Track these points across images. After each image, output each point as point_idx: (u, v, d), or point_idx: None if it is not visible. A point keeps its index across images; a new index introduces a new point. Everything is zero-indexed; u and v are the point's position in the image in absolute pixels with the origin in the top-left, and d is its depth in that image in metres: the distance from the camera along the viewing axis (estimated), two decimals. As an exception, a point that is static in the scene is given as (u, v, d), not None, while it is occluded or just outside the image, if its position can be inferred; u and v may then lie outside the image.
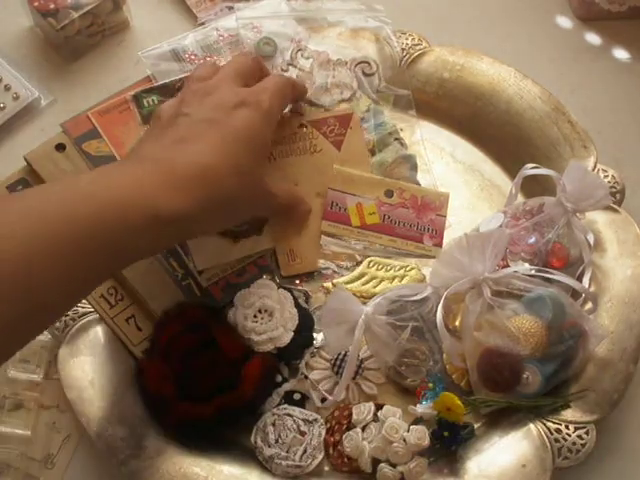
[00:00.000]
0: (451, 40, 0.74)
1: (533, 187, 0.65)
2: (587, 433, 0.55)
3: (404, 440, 0.53)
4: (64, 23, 0.70)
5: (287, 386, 0.58)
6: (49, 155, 0.62)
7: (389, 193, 0.66)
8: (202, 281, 0.61)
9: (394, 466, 0.53)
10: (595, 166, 0.66)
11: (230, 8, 0.75)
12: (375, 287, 0.63)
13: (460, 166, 0.70)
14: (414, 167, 0.68)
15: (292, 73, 0.69)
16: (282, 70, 0.69)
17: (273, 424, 0.56)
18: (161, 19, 0.77)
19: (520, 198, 0.65)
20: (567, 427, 0.56)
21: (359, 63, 0.70)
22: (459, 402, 0.54)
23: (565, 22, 0.80)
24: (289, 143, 0.66)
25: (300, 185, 0.65)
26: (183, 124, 0.51)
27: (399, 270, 0.64)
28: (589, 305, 0.60)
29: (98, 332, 0.59)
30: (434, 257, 0.64)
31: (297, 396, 0.58)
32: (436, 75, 0.71)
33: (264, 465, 0.55)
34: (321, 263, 0.64)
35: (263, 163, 0.57)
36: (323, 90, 0.69)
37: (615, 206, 0.65)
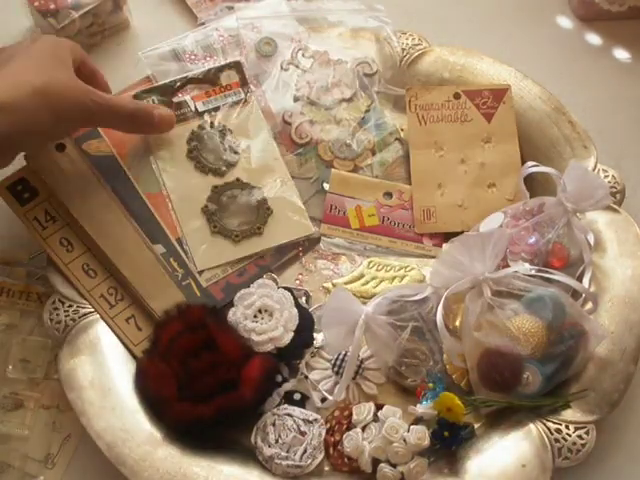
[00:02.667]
0: (451, 40, 0.74)
1: (533, 187, 0.65)
2: (587, 433, 0.55)
3: (404, 440, 0.53)
4: (64, 23, 0.70)
5: (287, 386, 0.58)
6: (49, 155, 0.62)
7: (388, 195, 0.66)
8: (202, 281, 0.61)
9: (394, 466, 0.53)
10: (595, 166, 0.66)
11: (230, 8, 0.75)
12: (375, 287, 0.63)
13: (460, 166, 0.70)
14: (414, 167, 0.68)
15: (293, 73, 0.69)
16: (282, 69, 0.69)
17: (273, 424, 0.56)
18: (161, 19, 0.77)
19: (520, 198, 0.66)
20: (567, 427, 0.56)
21: (360, 63, 0.70)
22: (459, 402, 0.54)
23: (565, 22, 0.80)
24: (441, 109, 0.68)
25: (445, 151, 0.67)
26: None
27: (399, 270, 0.64)
28: (589, 305, 0.60)
29: (98, 332, 0.59)
30: (434, 257, 0.64)
31: (297, 396, 0.58)
32: (436, 75, 0.71)
33: (264, 465, 0.55)
34: (321, 264, 0.64)
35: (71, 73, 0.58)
36: (324, 90, 0.69)
37: (615, 206, 0.65)
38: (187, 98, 0.67)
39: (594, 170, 0.66)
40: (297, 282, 0.63)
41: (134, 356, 0.58)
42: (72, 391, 0.56)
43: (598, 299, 0.60)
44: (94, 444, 0.54)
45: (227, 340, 0.57)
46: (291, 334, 0.59)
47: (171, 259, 0.61)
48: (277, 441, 0.55)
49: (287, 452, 0.55)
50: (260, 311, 0.59)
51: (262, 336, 0.58)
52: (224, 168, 0.65)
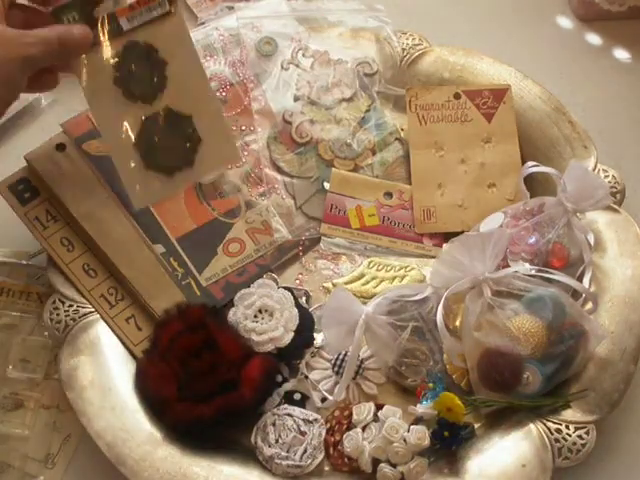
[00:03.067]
0: (451, 40, 0.74)
1: (533, 187, 0.65)
2: (587, 433, 0.55)
3: (404, 440, 0.53)
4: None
5: (287, 386, 0.58)
6: (49, 155, 0.62)
7: (388, 195, 0.66)
8: (202, 280, 0.61)
9: (394, 466, 0.53)
10: (595, 166, 0.66)
11: (230, 8, 0.75)
12: (375, 287, 0.63)
13: (460, 166, 0.70)
14: (414, 167, 0.68)
15: (293, 72, 0.69)
16: (283, 69, 0.69)
17: (273, 424, 0.56)
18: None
19: (520, 198, 0.66)
20: (567, 427, 0.56)
21: (360, 63, 0.70)
22: (459, 402, 0.54)
23: (565, 22, 0.80)
24: (441, 109, 0.68)
25: (446, 151, 0.67)
26: None
27: (399, 270, 0.64)
28: (589, 305, 0.60)
29: (98, 332, 0.59)
30: (434, 257, 0.64)
31: (297, 396, 0.58)
32: (436, 75, 0.71)
33: (264, 465, 0.55)
34: (321, 263, 0.64)
35: None
36: (324, 90, 0.69)
37: (615, 206, 0.65)
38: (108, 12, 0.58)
39: (594, 170, 0.66)
40: (297, 282, 0.63)
41: (134, 356, 0.58)
42: (72, 391, 0.56)
43: (598, 299, 0.60)
44: (94, 444, 0.54)
45: (227, 340, 0.57)
46: (291, 334, 0.59)
47: (171, 259, 0.61)
48: (277, 441, 0.55)
49: (287, 452, 0.55)
50: (260, 311, 0.59)
51: (262, 336, 0.58)
52: (153, 94, 0.60)
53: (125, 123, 0.59)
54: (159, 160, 0.60)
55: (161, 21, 0.59)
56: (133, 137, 0.59)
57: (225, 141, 0.62)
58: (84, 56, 0.57)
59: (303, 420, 0.56)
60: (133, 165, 0.59)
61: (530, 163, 0.64)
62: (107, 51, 0.58)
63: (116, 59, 0.58)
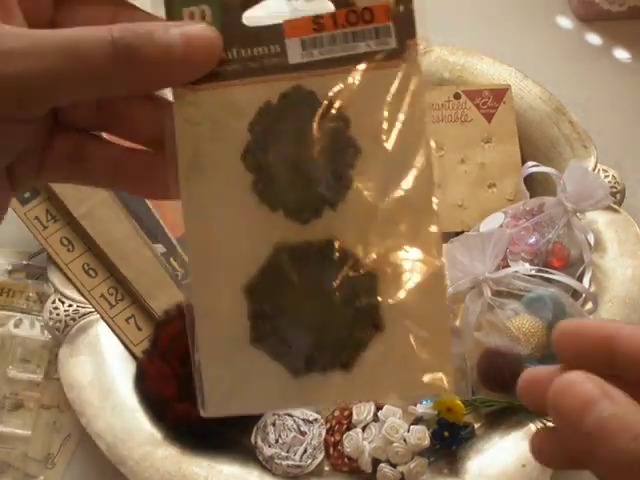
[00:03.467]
0: (451, 40, 0.74)
1: (533, 187, 0.65)
2: (587, 433, 0.55)
3: (404, 440, 0.53)
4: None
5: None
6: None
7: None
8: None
9: (394, 466, 0.53)
10: (595, 166, 0.66)
11: (230, 8, 0.75)
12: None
13: (460, 166, 0.70)
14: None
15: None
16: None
17: (273, 424, 0.56)
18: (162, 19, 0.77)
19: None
20: (567, 427, 0.55)
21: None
22: (459, 402, 0.54)
23: (565, 22, 0.80)
24: (441, 109, 0.68)
25: (445, 151, 0.68)
26: None
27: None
28: (589, 305, 0.60)
29: (98, 332, 0.59)
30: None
31: (297, 396, 0.58)
32: (436, 75, 0.71)
33: (264, 465, 0.55)
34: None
35: None
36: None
37: (615, 206, 0.65)
38: (269, 21, 0.32)
39: (594, 170, 0.66)
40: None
41: (134, 356, 0.58)
42: (72, 391, 0.56)
43: (598, 299, 0.60)
44: (94, 444, 0.54)
45: (227, 340, 0.57)
46: (291, 334, 0.58)
47: (171, 258, 0.61)
48: (277, 441, 0.55)
49: (287, 452, 0.55)
50: (260, 311, 0.59)
51: (262, 336, 0.58)
52: (315, 205, 0.29)
53: (244, 244, 0.29)
54: (288, 335, 0.29)
55: (373, 66, 0.29)
56: (249, 274, 0.29)
57: (428, 345, 0.29)
58: (182, 96, 0.29)
59: (303, 420, 0.56)
60: (230, 331, 0.29)
61: (530, 163, 0.64)
62: (241, 94, 0.29)
63: (257, 116, 0.29)
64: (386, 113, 0.29)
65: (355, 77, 0.29)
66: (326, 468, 0.56)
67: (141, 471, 0.53)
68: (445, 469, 0.55)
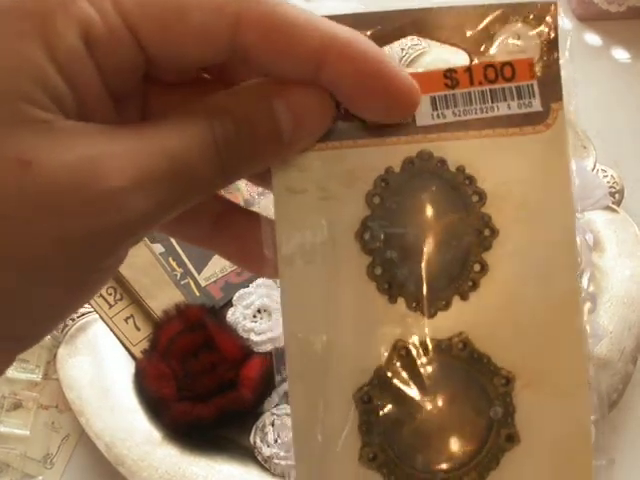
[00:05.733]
0: (450, 40, 0.74)
1: (532, 187, 0.65)
2: (586, 433, 0.55)
3: (403, 440, 0.53)
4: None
5: (286, 386, 0.58)
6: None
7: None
8: (201, 281, 0.61)
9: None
10: (594, 166, 0.66)
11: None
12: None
13: (459, 166, 0.70)
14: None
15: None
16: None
17: (272, 424, 0.56)
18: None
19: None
20: (566, 427, 0.55)
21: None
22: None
23: (565, 22, 0.80)
24: None
25: None
26: None
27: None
28: (588, 305, 0.60)
29: (97, 332, 0.59)
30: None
31: (296, 396, 0.58)
32: (435, 75, 0.71)
33: (263, 465, 0.55)
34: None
35: None
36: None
37: (614, 206, 0.65)
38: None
39: (593, 170, 0.66)
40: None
41: (133, 356, 0.58)
42: (71, 391, 0.56)
43: (597, 299, 0.60)
44: (93, 444, 0.54)
45: (226, 340, 0.57)
46: (290, 334, 0.58)
47: (170, 258, 0.61)
48: (276, 441, 0.55)
49: (286, 452, 0.55)
50: (259, 311, 0.59)
51: (261, 336, 0.58)
52: (443, 298, 0.25)
53: (356, 342, 0.24)
54: (408, 456, 0.24)
55: (514, 132, 0.25)
56: (362, 378, 0.24)
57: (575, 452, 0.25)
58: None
59: (302, 420, 0.56)
60: (335, 446, 0.24)
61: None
62: (356, 158, 0.24)
63: (375, 185, 0.25)
64: (528, 188, 0.25)
65: (493, 144, 0.24)
66: None
67: (140, 471, 0.53)
68: (444, 469, 0.55)
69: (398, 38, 0.25)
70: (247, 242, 0.26)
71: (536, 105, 0.25)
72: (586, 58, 0.78)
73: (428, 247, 0.24)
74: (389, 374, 0.24)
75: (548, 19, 0.26)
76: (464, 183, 0.24)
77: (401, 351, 0.24)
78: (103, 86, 0.21)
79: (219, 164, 0.22)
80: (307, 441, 0.24)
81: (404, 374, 0.24)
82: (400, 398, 0.24)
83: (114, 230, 0.20)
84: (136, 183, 0.19)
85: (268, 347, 0.58)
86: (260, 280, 0.61)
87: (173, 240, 0.62)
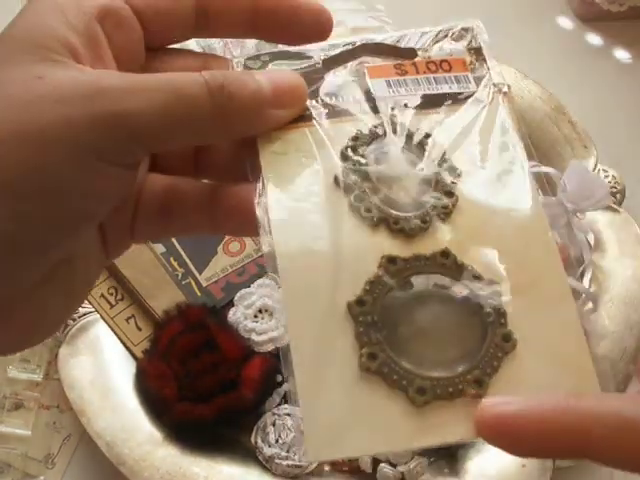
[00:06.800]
0: (451, 40, 0.74)
1: (533, 187, 0.65)
2: (587, 433, 0.55)
3: (404, 440, 0.53)
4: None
5: (287, 386, 0.58)
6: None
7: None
8: (202, 281, 0.61)
9: (394, 466, 0.53)
10: (595, 166, 0.66)
11: (230, 8, 0.75)
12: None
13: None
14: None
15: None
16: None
17: (273, 424, 0.56)
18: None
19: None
20: (567, 427, 0.55)
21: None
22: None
23: (565, 22, 0.80)
24: None
25: None
26: None
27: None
28: (589, 305, 0.60)
29: (98, 332, 0.59)
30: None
31: (297, 396, 0.58)
32: (436, 75, 0.71)
33: (264, 465, 0.55)
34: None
35: None
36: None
37: (615, 206, 0.65)
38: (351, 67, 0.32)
39: (594, 170, 0.66)
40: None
41: (134, 356, 0.58)
42: (72, 391, 0.56)
43: (598, 299, 0.60)
44: (94, 444, 0.54)
45: (227, 340, 0.57)
46: (291, 334, 0.58)
47: (171, 258, 0.61)
48: (277, 441, 0.55)
49: (287, 452, 0.55)
50: (260, 311, 0.59)
51: (262, 336, 0.58)
52: (417, 222, 0.28)
53: (345, 262, 0.27)
54: (401, 365, 0.26)
55: (461, 103, 0.31)
56: (353, 292, 0.26)
57: (568, 361, 0.28)
58: (267, 133, 0.29)
59: (303, 420, 0.56)
60: (333, 359, 0.26)
61: (530, 163, 0.64)
62: (329, 129, 0.29)
63: (348, 142, 0.29)
64: (481, 138, 0.30)
65: (445, 112, 0.30)
66: (326, 468, 0.56)
67: (141, 471, 0.53)
68: (445, 469, 0.55)
69: (353, 59, 0.32)
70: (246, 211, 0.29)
71: (472, 87, 0.31)
72: (587, 58, 0.78)
73: (403, 183, 0.28)
74: (380, 284, 0.26)
75: (470, 34, 0.36)
76: (426, 142, 0.29)
77: (389, 264, 0.27)
78: (111, 48, 0.27)
79: (211, 98, 0.26)
80: (306, 356, 0.25)
81: (394, 281, 0.26)
82: (394, 303, 0.26)
83: (116, 122, 0.24)
84: (131, 88, 0.25)
85: (269, 347, 0.58)
86: (261, 280, 0.61)
87: (174, 240, 0.62)
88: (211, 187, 0.30)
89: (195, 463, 0.54)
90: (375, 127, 0.29)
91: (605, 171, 0.66)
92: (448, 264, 0.27)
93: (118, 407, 0.56)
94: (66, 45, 0.25)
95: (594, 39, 0.79)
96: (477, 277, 0.27)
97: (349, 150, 0.29)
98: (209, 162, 0.31)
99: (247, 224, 0.28)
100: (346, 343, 0.25)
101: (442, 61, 0.32)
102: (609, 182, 0.65)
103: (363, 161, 0.28)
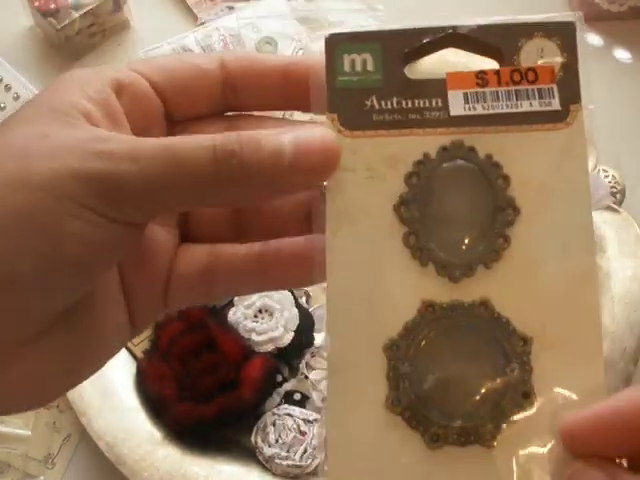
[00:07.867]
0: (451, 40, 0.74)
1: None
2: (587, 433, 0.55)
3: (404, 440, 0.53)
4: (64, 23, 0.70)
5: (287, 386, 0.58)
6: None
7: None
8: (202, 281, 0.61)
9: None
10: (595, 166, 0.66)
11: (231, 8, 0.75)
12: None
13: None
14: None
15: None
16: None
17: (273, 424, 0.56)
18: (161, 19, 0.77)
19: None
20: (567, 427, 0.55)
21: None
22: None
23: (592, 38, 0.80)
24: None
25: None
26: None
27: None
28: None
29: (98, 332, 0.59)
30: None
31: (297, 396, 0.58)
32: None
33: (264, 465, 0.55)
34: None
35: None
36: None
37: (615, 206, 0.65)
38: (431, 75, 0.32)
39: (594, 170, 0.66)
40: (297, 282, 0.63)
41: (134, 356, 0.58)
42: (72, 391, 0.56)
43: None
44: (94, 444, 0.54)
45: (227, 340, 0.57)
46: (291, 334, 0.59)
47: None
48: (277, 441, 0.55)
49: (287, 452, 0.55)
50: (260, 311, 0.59)
51: (262, 336, 0.58)
52: (463, 269, 0.27)
53: (390, 298, 0.27)
54: (429, 400, 0.26)
55: (536, 127, 0.28)
56: (392, 331, 0.27)
57: None
58: (339, 140, 0.28)
59: (303, 420, 0.56)
60: (364, 390, 0.27)
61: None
62: (399, 144, 0.28)
63: (414, 167, 0.28)
64: (548, 175, 0.28)
65: (517, 136, 0.28)
66: (326, 468, 0.56)
67: (141, 471, 0.53)
68: None
69: (436, 50, 0.31)
70: (299, 264, 0.29)
71: (555, 105, 0.29)
72: (587, 58, 0.78)
73: (457, 221, 0.28)
74: (416, 329, 0.27)
75: (568, 35, 0.33)
76: (491, 169, 0.28)
77: (428, 309, 0.27)
78: (128, 119, 0.28)
79: (214, 163, 0.25)
80: (340, 386, 0.27)
81: (429, 330, 0.27)
82: (424, 351, 0.27)
83: (101, 180, 0.24)
84: (131, 153, 0.25)
85: (269, 347, 0.58)
86: (261, 280, 0.61)
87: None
88: (259, 247, 0.29)
89: (195, 463, 0.54)
90: (444, 149, 0.28)
91: (605, 171, 0.66)
92: (484, 315, 0.27)
93: (118, 407, 0.56)
94: (82, 111, 0.26)
95: (594, 39, 0.79)
96: (511, 332, 0.27)
97: (414, 177, 0.28)
98: (251, 224, 0.30)
99: (304, 276, 0.28)
100: (378, 379, 0.27)
101: (528, 70, 0.30)
102: (609, 182, 0.65)
103: (424, 194, 0.28)
